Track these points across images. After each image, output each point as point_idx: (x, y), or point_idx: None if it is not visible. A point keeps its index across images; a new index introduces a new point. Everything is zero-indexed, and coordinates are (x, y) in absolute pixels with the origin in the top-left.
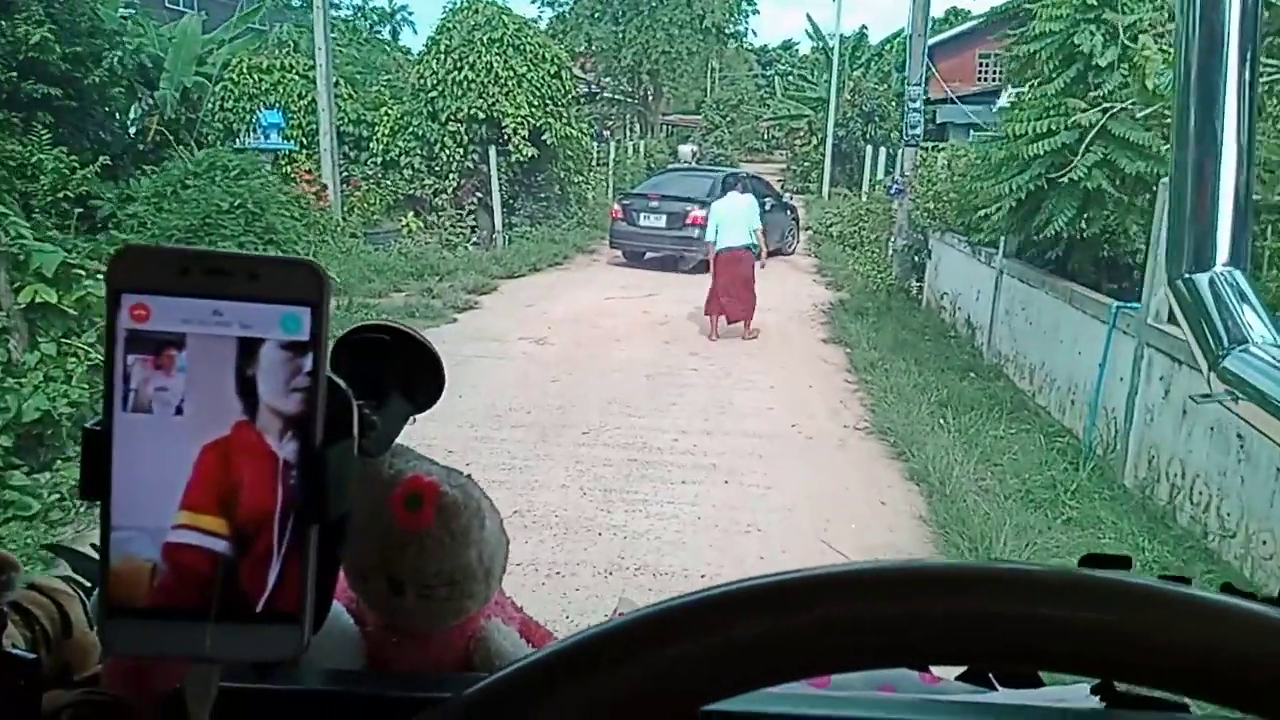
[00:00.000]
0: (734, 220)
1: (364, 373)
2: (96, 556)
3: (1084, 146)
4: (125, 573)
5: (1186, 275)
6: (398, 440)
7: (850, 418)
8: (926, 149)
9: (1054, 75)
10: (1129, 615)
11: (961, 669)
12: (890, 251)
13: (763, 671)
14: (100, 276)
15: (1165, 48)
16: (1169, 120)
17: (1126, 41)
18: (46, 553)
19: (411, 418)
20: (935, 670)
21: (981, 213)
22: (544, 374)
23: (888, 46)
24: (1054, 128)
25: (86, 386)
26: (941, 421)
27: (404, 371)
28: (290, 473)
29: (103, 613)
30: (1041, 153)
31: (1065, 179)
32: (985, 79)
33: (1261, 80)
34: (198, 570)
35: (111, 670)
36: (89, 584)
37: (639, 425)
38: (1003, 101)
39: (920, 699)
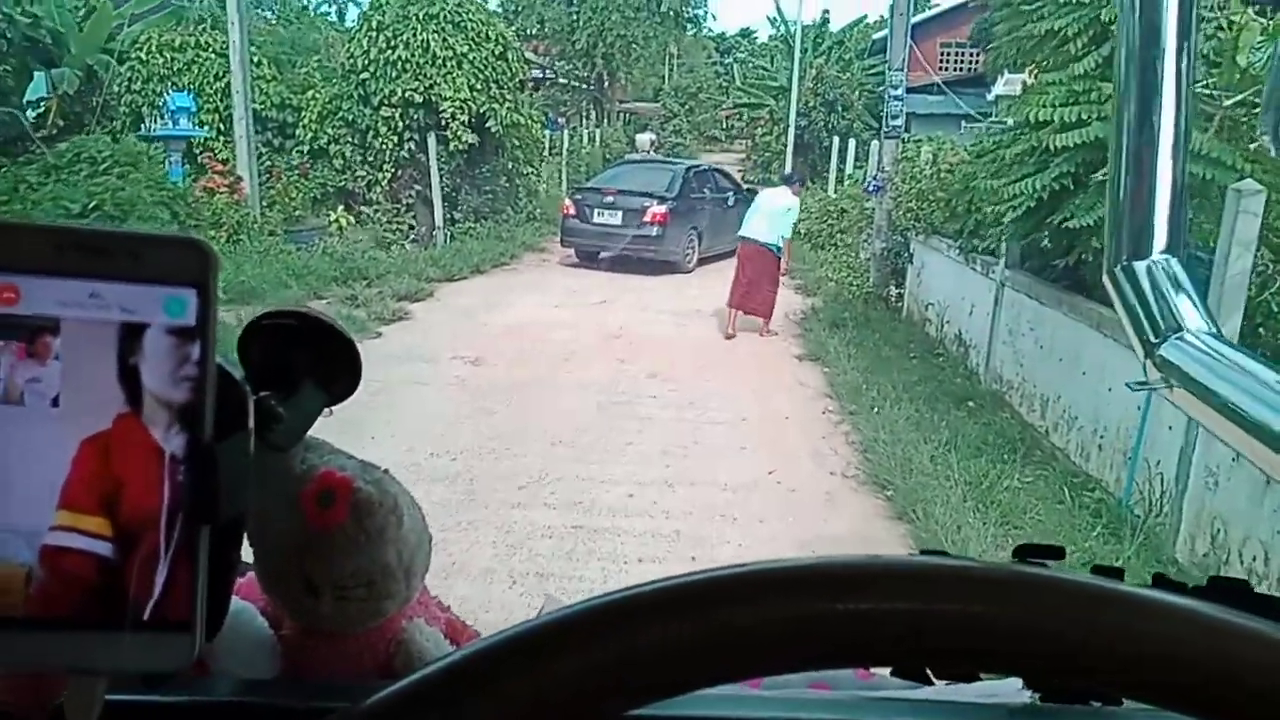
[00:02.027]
0: (773, 214)
1: (273, 362)
2: None
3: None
4: None
5: (1125, 263)
6: (312, 434)
7: (837, 461)
8: (904, 142)
9: (1082, 55)
10: (1054, 612)
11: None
12: (865, 254)
13: (690, 675)
14: None
15: (1260, 17)
16: (1259, 110)
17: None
18: None
19: (327, 409)
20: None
21: (988, 213)
22: (478, 404)
23: (849, 34)
24: (1085, 116)
25: None
26: (946, 470)
27: (316, 360)
28: (178, 469)
29: None
30: (1071, 145)
31: (1097, 178)
32: (947, 69)
33: None
34: (78, 575)
35: (3, 682)
36: None
37: (587, 475)
38: (999, 89)
39: (854, 696)
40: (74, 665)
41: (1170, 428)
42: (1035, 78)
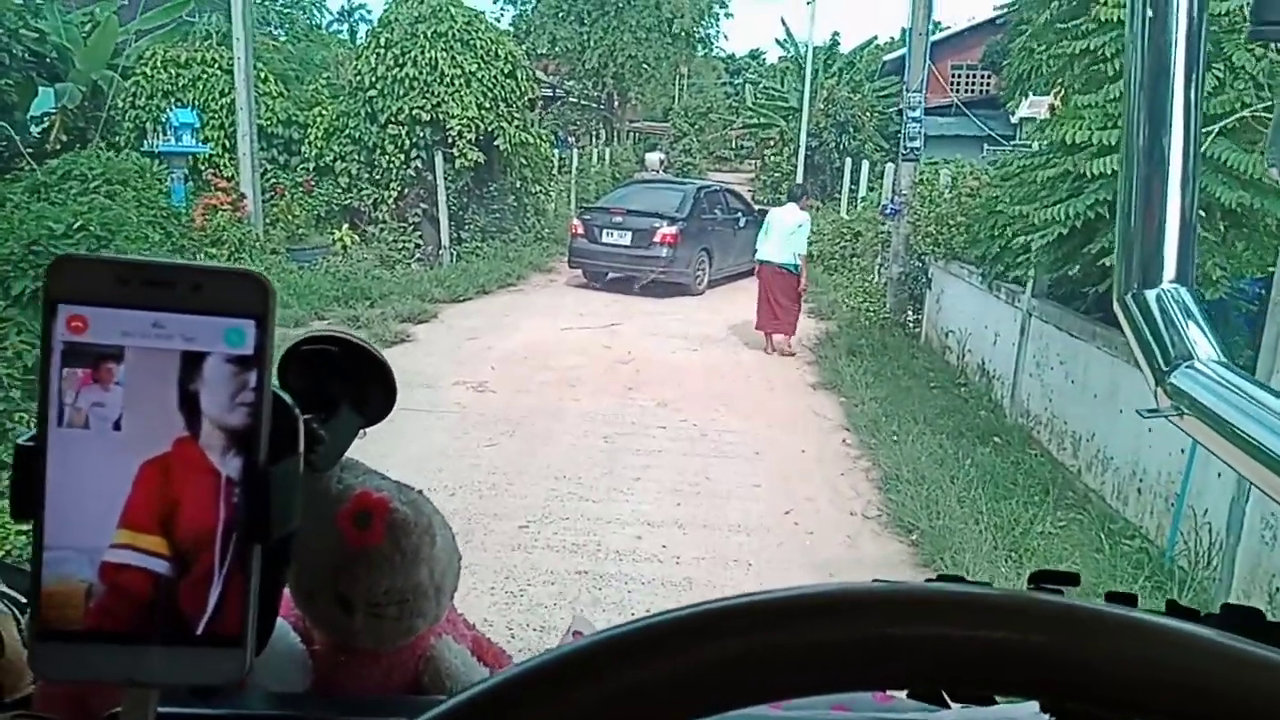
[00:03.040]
0: (784, 233)
1: (312, 385)
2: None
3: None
4: (59, 594)
5: (1135, 291)
6: (346, 454)
7: (857, 501)
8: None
9: (1120, 75)
10: (1070, 639)
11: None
12: (882, 278)
13: (723, 697)
14: None
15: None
16: None
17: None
18: None
19: (361, 431)
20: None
21: (1014, 240)
22: (480, 435)
23: (860, 56)
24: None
25: None
26: (974, 512)
27: (353, 383)
28: (233, 490)
29: (33, 637)
30: (1109, 171)
31: None
32: (958, 91)
33: None
34: (136, 591)
35: (45, 692)
36: (23, 600)
37: (593, 514)
38: (1024, 111)
39: (873, 718)
40: (130, 678)
41: (1220, 475)
42: (1062, 100)
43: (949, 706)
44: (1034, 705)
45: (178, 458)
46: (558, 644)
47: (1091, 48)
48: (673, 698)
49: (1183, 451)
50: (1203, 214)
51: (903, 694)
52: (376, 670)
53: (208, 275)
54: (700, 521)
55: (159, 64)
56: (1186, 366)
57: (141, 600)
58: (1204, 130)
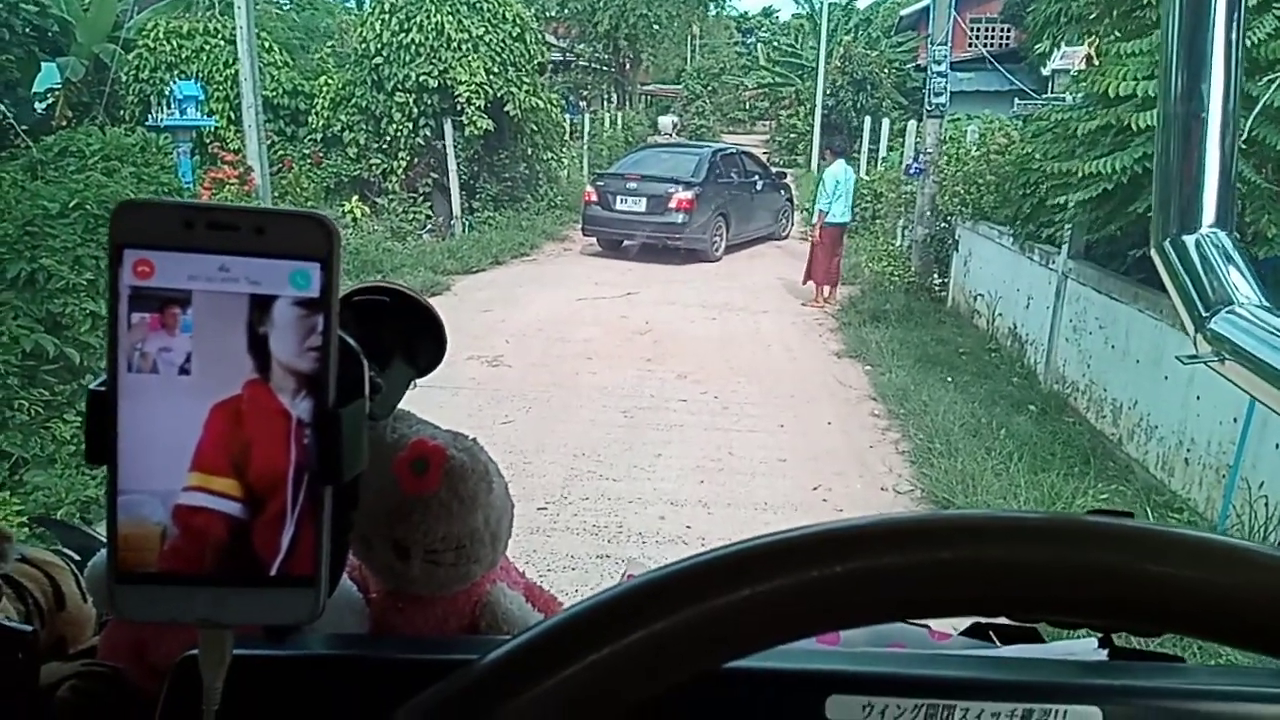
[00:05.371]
0: (847, 192)
1: (365, 335)
2: (85, 529)
3: (1251, 116)
4: (134, 537)
5: (1174, 237)
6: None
7: (888, 475)
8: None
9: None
10: (1136, 558)
11: (963, 626)
12: (905, 240)
13: (788, 626)
14: None
15: None
16: None
17: None
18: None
19: (412, 382)
20: (940, 629)
21: (1050, 198)
22: (495, 410)
23: (875, 11)
24: None
25: None
26: (1012, 486)
27: (405, 334)
28: (304, 432)
29: (112, 578)
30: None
31: None
32: (976, 45)
33: None
34: (209, 533)
35: (108, 642)
36: (78, 557)
37: (614, 492)
38: (1056, 63)
39: (930, 653)
40: (206, 618)
41: (1278, 446)
42: (1096, 50)
43: (997, 646)
44: (1091, 643)
45: (249, 400)
46: (622, 583)
47: None
48: (741, 628)
49: (1235, 420)
50: (1257, 164)
51: (955, 633)
52: (432, 616)
53: (271, 218)
54: (725, 500)
55: (161, 36)
56: (1227, 311)
57: (215, 542)
58: (1268, 79)
